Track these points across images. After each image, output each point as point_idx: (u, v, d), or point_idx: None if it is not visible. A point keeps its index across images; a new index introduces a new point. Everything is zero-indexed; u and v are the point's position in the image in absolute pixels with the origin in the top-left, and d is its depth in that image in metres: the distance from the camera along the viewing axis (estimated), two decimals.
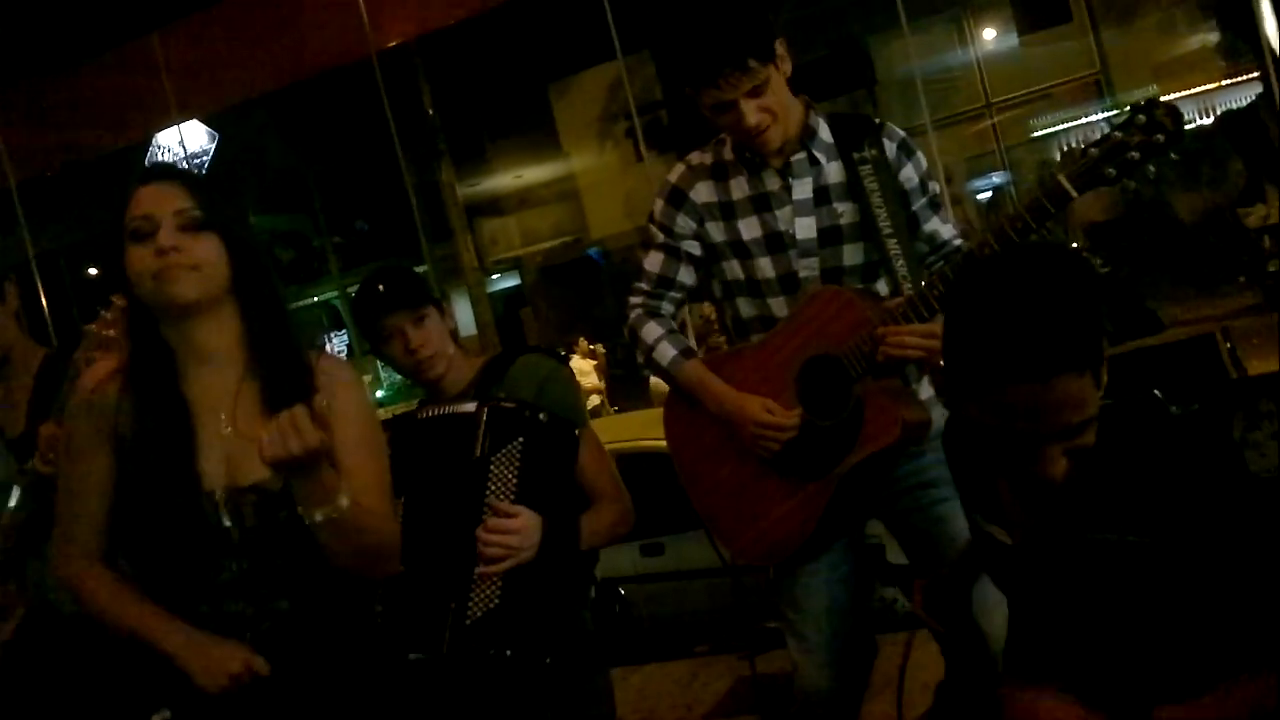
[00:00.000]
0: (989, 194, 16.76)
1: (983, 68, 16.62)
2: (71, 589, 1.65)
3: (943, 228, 2.22)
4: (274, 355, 1.62)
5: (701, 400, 2.16)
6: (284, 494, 1.53)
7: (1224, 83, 14.41)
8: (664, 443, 2.30)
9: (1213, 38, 14.62)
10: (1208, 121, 14.47)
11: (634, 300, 2.27)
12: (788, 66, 2.09)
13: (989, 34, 16.98)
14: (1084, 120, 15.61)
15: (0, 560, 2.40)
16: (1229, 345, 4.85)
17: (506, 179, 20.82)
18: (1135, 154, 1.80)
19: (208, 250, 1.58)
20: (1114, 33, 15.74)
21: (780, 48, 2.07)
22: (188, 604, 1.57)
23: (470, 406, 1.97)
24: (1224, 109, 14.47)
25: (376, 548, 1.60)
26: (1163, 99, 1.84)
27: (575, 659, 2.04)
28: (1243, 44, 13.27)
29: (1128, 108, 1.84)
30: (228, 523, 1.56)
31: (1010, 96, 16.32)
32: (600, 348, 13.08)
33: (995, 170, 16.62)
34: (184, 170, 1.70)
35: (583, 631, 2.08)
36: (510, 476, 1.94)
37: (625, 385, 12.82)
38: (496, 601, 1.92)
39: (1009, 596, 1.48)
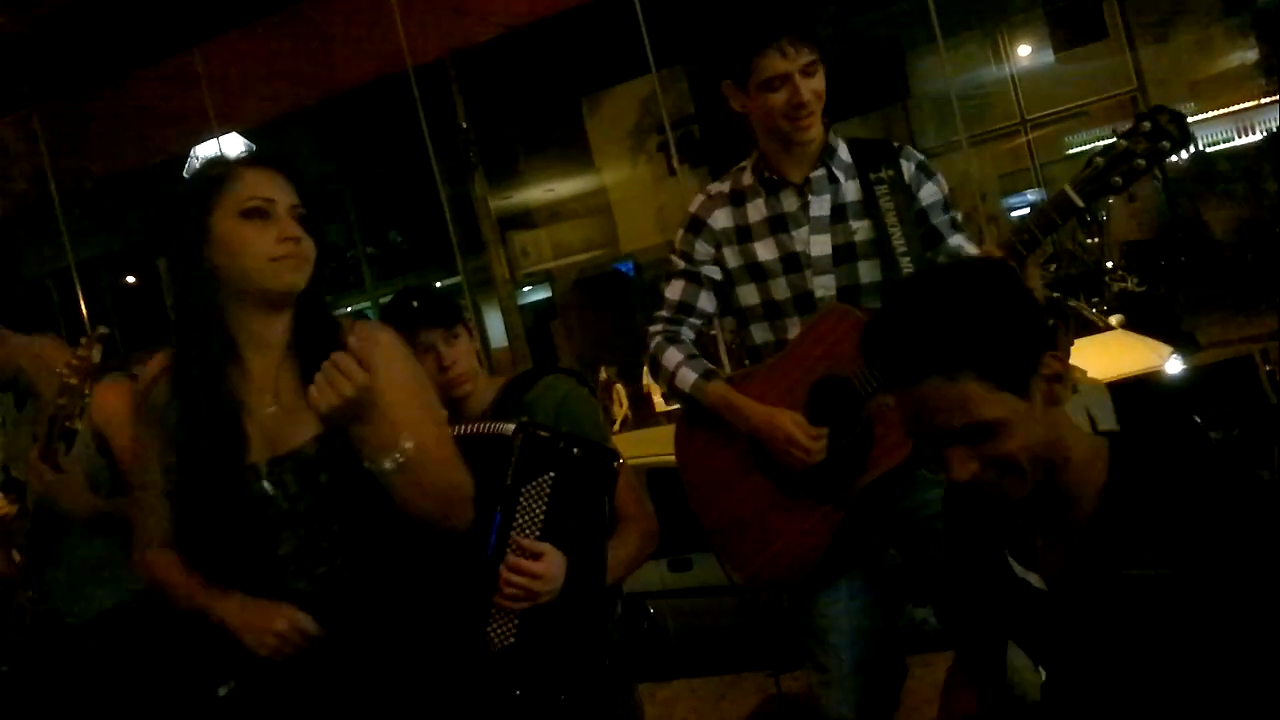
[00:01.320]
0: (1026, 210, 16.63)
1: (1018, 84, 16.54)
2: (144, 575, 1.72)
3: (966, 244, 2.22)
4: (314, 335, 1.64)
5: (729, 419, 2.15)
6: (320, 458, 1.58)
7: (1263, 101, 14.24)
8: None
9: (1251, 55, 14.45)
10: (1246, 140, 14.30)
11: (654, 329, 2.29)
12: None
13: (1024, 50, 16.88)
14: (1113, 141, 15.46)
15: (23, 565, 2.45)
16: (1268, 368, 4.78)
17: (538, 192, 20.93)
18: (1141, 161, 1.80)
19: (311, 245, 1.63)
20: (1151, 50, 15.61)
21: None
22: (251, 582, 1.60)
23: (509, 428, 1.89)
24: (1262, 127, 14.31)
25: (448, 490, 1.61)
26: (1188, 115, 1.85)
27: (600, 674, 2.03)
28: None
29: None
30: (273, 492, 1.59)
31: (1045, 113, 16.21)
32: (620, 387, 13.07)
33: (1029, 188, 16.50)
34: (289, 163, 1.70)
35: (608, 646, 2.07)
36: (538, 511, 1.87)
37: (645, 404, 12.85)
38: (512, 640, 1.86)
39: (1044, 645, 1.43)
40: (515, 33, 7.77)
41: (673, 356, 2.22)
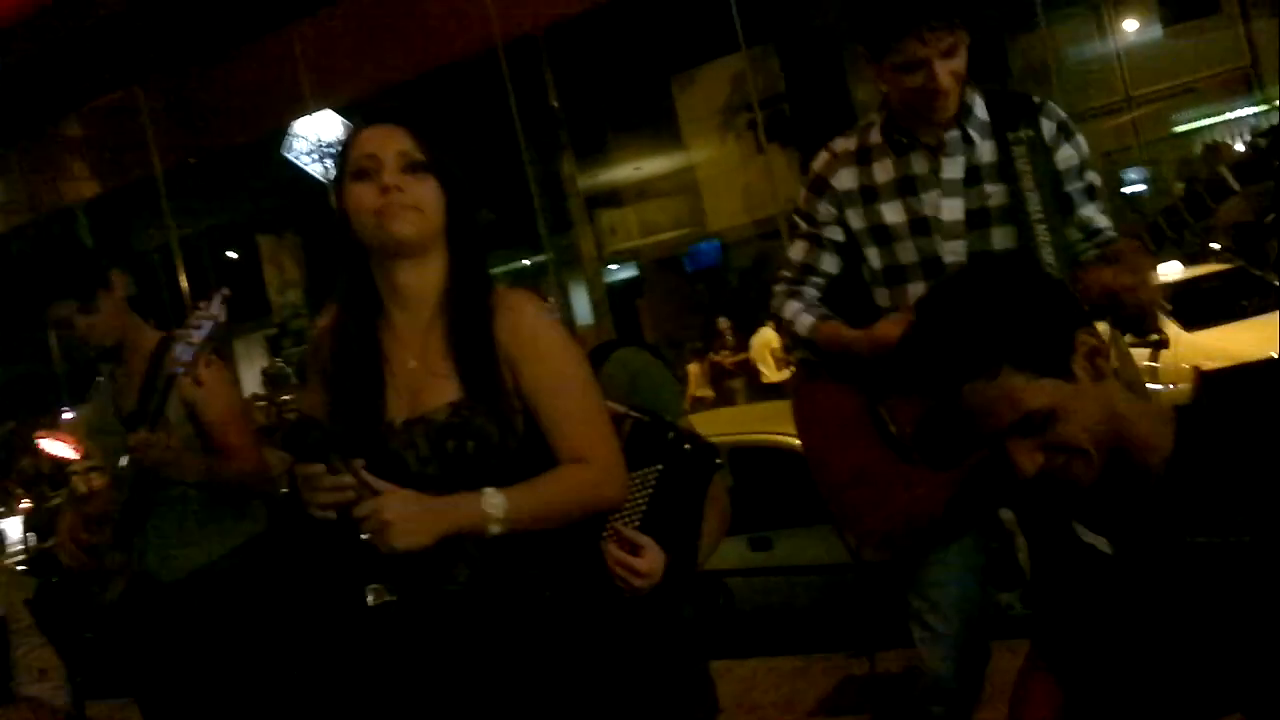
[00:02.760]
0: (1140, 187, 16.04)
1: (1123, 60, 15.97)
2: None
3: (1098, 216, 2.14)
4: (466, 297, 1.65)
5: (845, 347, 2.14)
6: (449, 425, 1.59)
7: None
8: (776, 436, 2.29)
9: None
10: None
11: (778, 288, 2.29)
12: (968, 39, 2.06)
13: (1130, 25, 16.29)
14: (1230, 115, 14.86)
15: (113, 530, 2.54)
16: None
17: (626, 170, 20.93)
18: None
19: (427, 191, 1.63)
20: (1266, 23, 14.91)
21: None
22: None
23: (618, 409, 1.84)
24: None
25: (572, 494, 1.61)
26: None
27: (674, 648, 2.02)
28: None
29: None
30: (404, 454, 1.61)
31: (1152, 90, 15.63)
32: (695, 366, 13.01)
33: (1133, 167, 15.95)
34: (407, 112, 1.72)
35: (681, 622, 2.06)
36: (640, 501, 1.83)
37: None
38: None
39: (1110, 610, 1.42)
40: (605, 9, 7.76)
41: (792, 306, 2.23)
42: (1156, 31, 15.87)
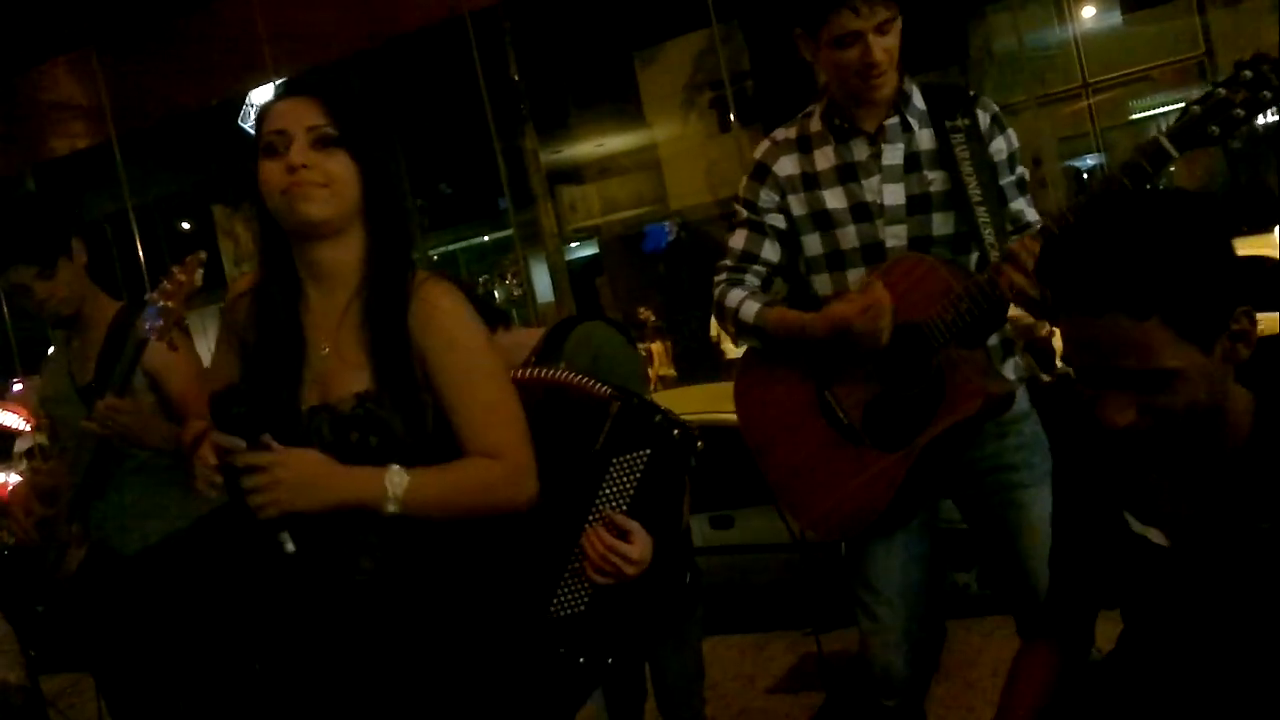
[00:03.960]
0: (1085, 176, 16.28)
1: (1081, 46, 16.14)
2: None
3: (1027, 210, 2.17)
4: (385, 279, 1.60)
5: (802, 336, 2.10)
6: (354, 416, 1.55)
7: None
8: (734, 415, 2.28)
9: None
10: None
11: (718, 278, 2.26)
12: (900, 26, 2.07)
13: (1089, 11, 16.46)
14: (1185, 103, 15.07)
15: (69, 503, 2.50)
16: None
17: (589, 147, 20.85)
18: (1240, 111, 1.72)
19: (338, 167, 1.56)
20: (1221, 13, 15.15)
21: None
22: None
23: (604, 390, 1.80)
24: None
25: (478, 487, 1.56)
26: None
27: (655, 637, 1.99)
28: None
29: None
30: (309, 439, 1.56)
31: (1109, 77, 15.82)
32: (658, 345, 13.04)
33: (1090, 153, 16.17)
34: (321, 83, 1.64)
35: (670, 610, 2.03)
36: (628, 486, 1.77)
37: (698, 360, 12.80)
38: (583, 608, 1.79)
39: (1160, 603, 1.39)
40: None
41: (736, 295, 2.19)
42: (1114, 19, 16.04)
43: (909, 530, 2.16)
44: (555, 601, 1.79)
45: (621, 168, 20.90)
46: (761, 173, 2.23)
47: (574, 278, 18.77)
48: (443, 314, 1.59)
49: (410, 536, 1.58)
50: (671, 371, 12.62)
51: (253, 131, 1.63)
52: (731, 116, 13.86)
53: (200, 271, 2.05)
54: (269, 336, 1.61)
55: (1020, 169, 2.17)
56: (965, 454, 2.12)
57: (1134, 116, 15.89)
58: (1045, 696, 1.49)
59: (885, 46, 2.02)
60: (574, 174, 21.15)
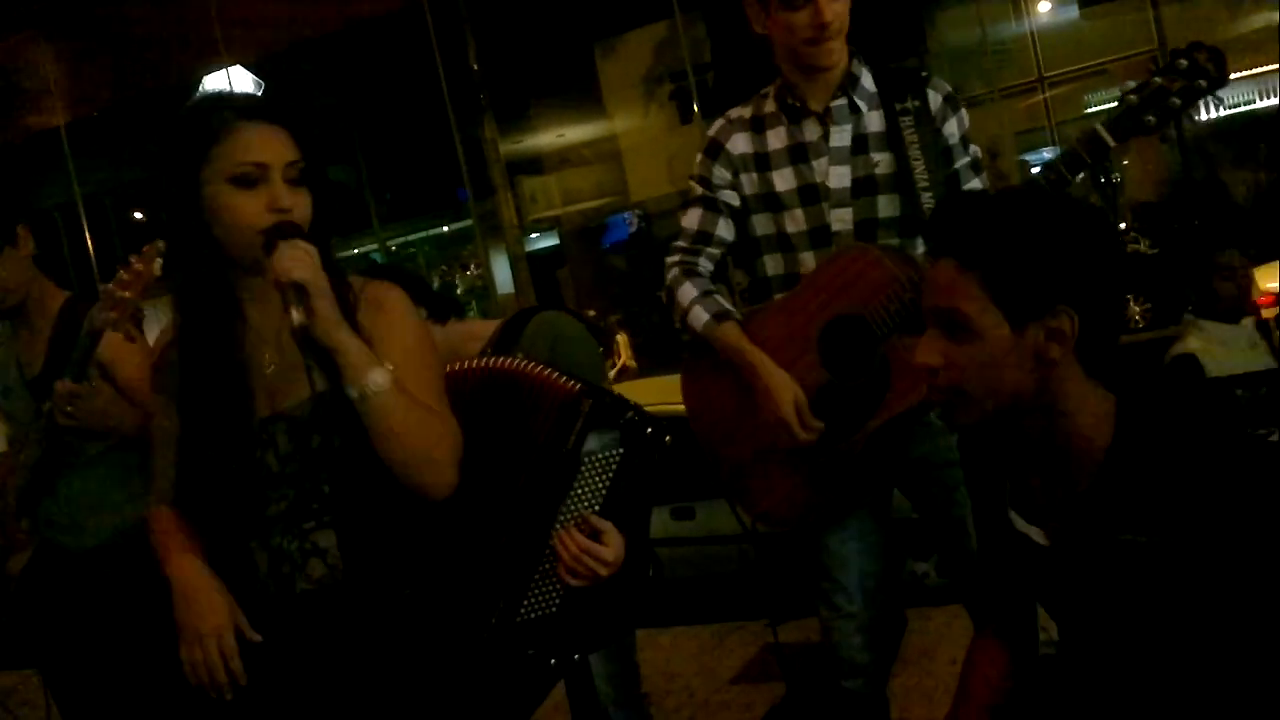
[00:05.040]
0: (1037, 169, 16.48)
1: (1037, 40, 16.31)
2: (147, 528, 1.68)
3: (982, 187, 2.17)
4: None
5: (736, 366, 2.12)
6: (312, 419, 1.52)
7: None
8: None
9: (1275, 17, 14.22)
10: (1268, 103, 14.09)
11: (671, 259, 2.23)
12: None
13: (1045, 6, 16.64)
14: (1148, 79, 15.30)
15: (17, 498, 2.44)
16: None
17: (549, 137, 20.77)
18: (1176, 100, 1.75)
19: (307, 207, 1.52)
20: (1174, 9, 15.37)
21: None
22: (239, 542, 1.56)
23: (573, 385, 1.73)
24: None
25: (425, 442, 1.50)
26: (1218, 49, 1.78)
27: (607, 613, 1.97)
28: None
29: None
30: (263, 453, 1.53)
31: (1064, 71, 16.01)
32: (622, 336, 13.08)
33: (1045, 146, 16.35)
34: (288, 113, 1.58)
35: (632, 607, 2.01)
36: (601, 486, 1.71)
37: (658, 352, 12.81)
38: (554, 609, 1.74)
39: (1048, 600, 1.43)
40: None
41: (688, 292, 2.16)
42: (1070, 14, 16.23)
43: (862, 519, 2.16)
44: (526, 604, 1.74)
45: (582, 159, 20.85)
46: (715, 150, 2.21)
47: (534, 268, 18.69)
48: (390, 303, 1.58)
49: (367, 544, 1.55)
50: (633, 364, 12.62)
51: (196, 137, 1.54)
52: (695, 107, 13.85)
53: (159, 261, 2.00)
54: (208, 365, 1.56)
55: (974, 148, 2.17)
56: (911, 450, 2.12)
57: (1089, 110, 16.07)
58: (1000, 687, 1.51)
59: (835, 9, 2.02)
60: (534, 164, 21.05)
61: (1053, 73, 16.13)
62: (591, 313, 13.36)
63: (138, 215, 19.56)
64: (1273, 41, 13.97)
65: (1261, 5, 14.53)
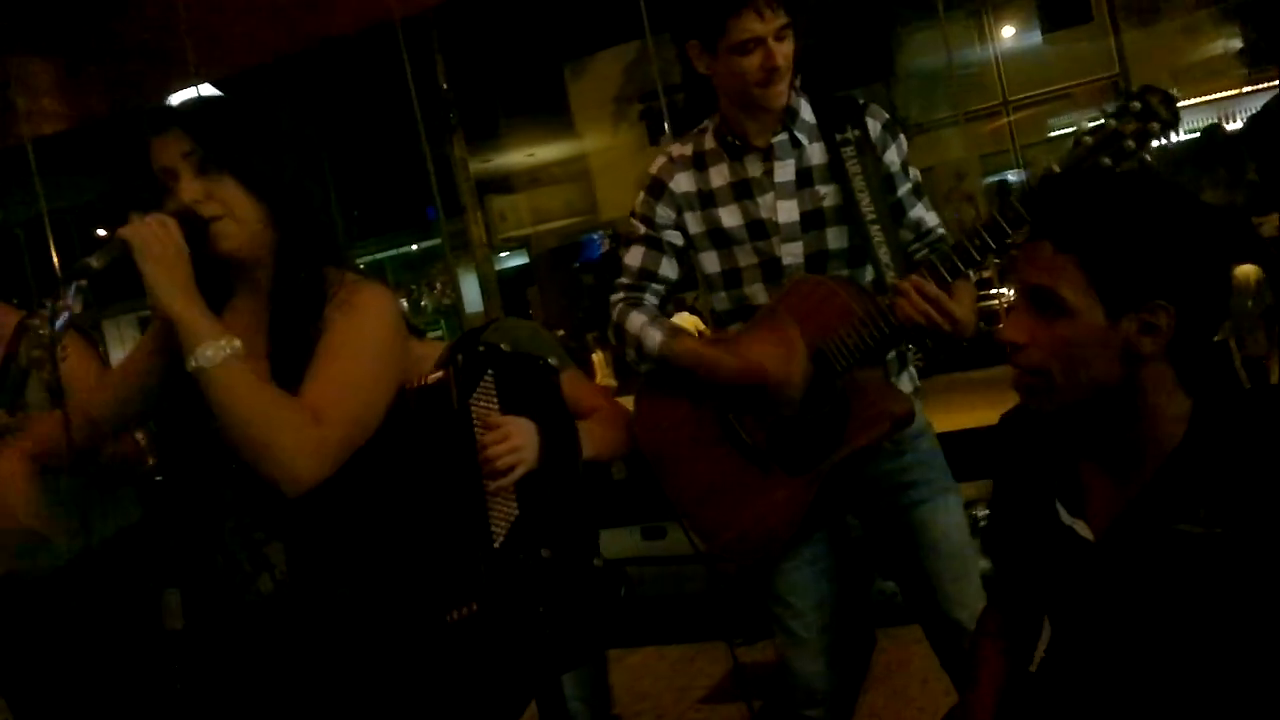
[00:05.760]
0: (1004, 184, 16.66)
1: (1001, 65, 16.52)
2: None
3: (927, 215, 2.19)
4: (292, 275, 1.58)
5: (704, 375, 2.10)
6: None
7: (1245, 89, 14.32)
8: None
9: (1235, 43, 14.52)
10: (1228, 128, 14.33)
11: (615, 297, 2.23)
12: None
13: (1008, 31, 16.87)
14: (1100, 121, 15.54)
15: None
16: (1241, 353, 4.82)
17: (519, 156, 20.75)
18: (1130, 143, 1.78)
19: (226, 191, 1.53)
20: (1136, 35, 15.63)
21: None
22: (202, 545, 1.57)
23: (437, 374, 1.88)
24: (1244, 115, 14.39)
25: (263, 429, 1.45)
26: (1170, 93, 1.82)
27: (581, 631, 1.99)
28: (1266, 49, 13.18)
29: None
30: (227, 459, 1.53)
31: (1028, 95, 16.23)
32: (600, 355, 13.03)
33: (1010, 169, 16.55)
34: (180, 110, 1.60)
35: (589, 609, 2.04)
36: (490, 406, 1.86)
37: (629, 369, 12.78)
38: (516, 511, 1.84)
39: (1081, 598, 1.41)
40: None
41: (636, 320, 2.16)
42: (1034, 39, 16.44)
43: (815, 544, 2.16)
44: (494, 530, 1.81)
45: (552, 178, 20.84)
46: (658, 189, 2.21)
47: (504, 287, 18.64)
48: (357, 301, 1.56)
49: (315, 552, 1.55)
50: (613, 381, 12.57)
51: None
52: (666, 126, 13.91)
53: (79, 298, 2.00)
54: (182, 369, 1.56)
55: (914, 173, 2.18)
56: (864, 471, 2.12)
57: (1052, 134, 16.29)
58: (1002, 683, 1.51)
59: (784, 53, 2.04)
60: (504, 183, 21.01)
61: (1016, 96, 16.34)
62: (560, 332, 13.36)
63: (101, 232, 19.34)
64: (1232, 67, 14.27)
65: (1220, 31, 14.83)
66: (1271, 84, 13.16)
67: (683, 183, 2.19)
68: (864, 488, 2.16)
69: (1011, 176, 16.61)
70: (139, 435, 2.57)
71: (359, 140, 18.41)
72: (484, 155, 19.58)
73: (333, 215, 1.68)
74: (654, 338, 2.13)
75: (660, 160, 2.24)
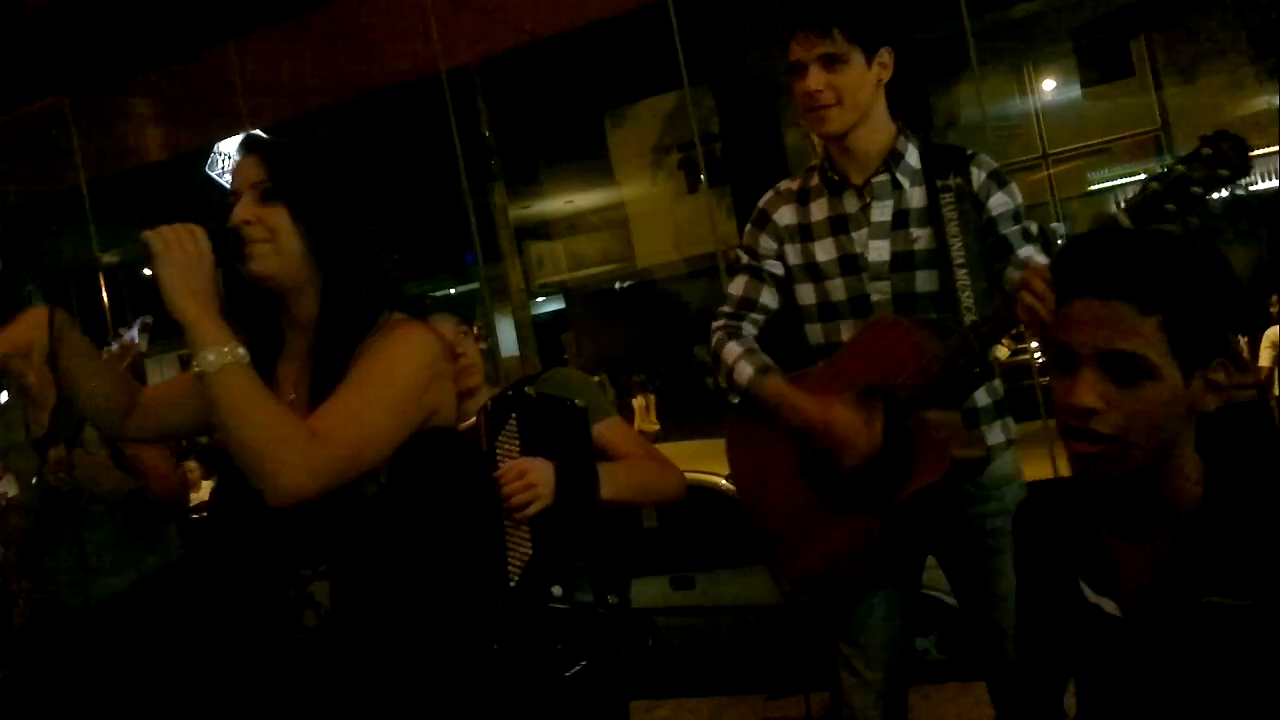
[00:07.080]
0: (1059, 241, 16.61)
1: (1041, 118, 16.55)
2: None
3: (1038, 255, 2.13)
4: (336, 322, 1.60)
5: (783, 415, 2.14)
6: None
7: None
8: (702, 475, 2.30)
9: (1275, 100, 14.45)
10: (1270, 184, 14.23)
11: (716, 324, 2.30)
12: (885, 73, 2.12)
13: (1049, 84, 16.91)
14: (1141, 176, 15.49)
15: (19, 554, 2.46)
16: None
17: (557, 203, 21.00)
18: (1199, 189, 1.75)
19: (278, 220, 1.58)
20: (1177, 90, 15.62)
21: (885, 54, 2.11)
22: (254, 580, 1.60)
23: (470, 421, 1.98)
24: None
25: (259, 439, 1.45)
26: (1243, 139, 1.78)
27: (604, 681, 2.01)
28: None
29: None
30: None
31: (1068, 148, 16.22)
32: (641, 400, 13.03)
33: (1050, 221, 16.51)
34: (263, 139, 1.67)
35: (614, 656, 2.06)
36: (512, 448, 1.94)
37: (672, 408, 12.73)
38: (530, 551, 1.89)
39: (1112, 676, 1.39)
40: (541, 43, 7.79)
41: (732, 351, 2.22)
42: (1074, 93, 16.48)
43: (890, 586, 2.17)
44: (509, 569, 1.89)
45: (590, 225, 21.06)
46: (762, 220, 2.27)
47: (539, 331, 18.79)
48: (388, 338, 1.58)
49: (359, 587, 1.57)
50: (655, 426, 12.55)
51: (223, 180, 1.68)
52: (702, 177, 14.05)
53: (145, 336, 2.07)
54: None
55: (1028, 223, 2.16)
56: (948, 513, 2.13)
57: (1092, 188, 16.27)
58: None
59: (829, 81, 2.06)
60: (542, 230, 21.26)
61: (1056, 150, 16.34)
62: (596, 378, 13.41)
63: (148, 272, 19.67)
64: (1273, 124, 14.17)
65: (1263, 88, 14.76)
66: None
67: (786, 215, 2.25)
68: (946, 530, 2.16)
69: (1055, 227, 16.57)
70: (191, 465, 2.63)
71: (402, 185, 18.72)
72: (524, 202, 19.85)
73: (385, 261, 1.71)
74: (745, 372, 2.18)
75: (768, 194, 2.31)
